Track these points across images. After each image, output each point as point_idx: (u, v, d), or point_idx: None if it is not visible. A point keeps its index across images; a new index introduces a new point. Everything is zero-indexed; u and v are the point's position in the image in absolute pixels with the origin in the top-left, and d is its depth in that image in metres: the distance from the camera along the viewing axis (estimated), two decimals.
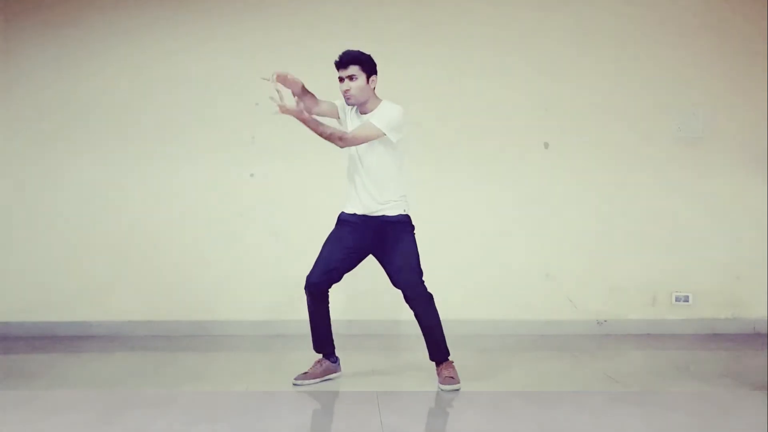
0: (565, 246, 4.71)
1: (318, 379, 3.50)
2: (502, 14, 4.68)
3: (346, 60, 3.32)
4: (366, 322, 4.62)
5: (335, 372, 3.58)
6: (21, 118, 4.64)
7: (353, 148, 3.37)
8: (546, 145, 4.69)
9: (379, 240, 3.40)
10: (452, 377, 3.40)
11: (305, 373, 3.51)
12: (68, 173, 4.64)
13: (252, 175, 4.65)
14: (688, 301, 4.72)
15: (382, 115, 3.30)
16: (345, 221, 3.46)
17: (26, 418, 2.99)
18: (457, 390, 3.36)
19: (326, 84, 4.67)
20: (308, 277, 3.43)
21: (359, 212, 3.41)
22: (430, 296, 3.41)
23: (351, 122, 3.43)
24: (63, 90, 4.64)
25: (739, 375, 3.68)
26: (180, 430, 2.82)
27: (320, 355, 3.57)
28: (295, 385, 3.45)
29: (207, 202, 4.65)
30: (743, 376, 3.65)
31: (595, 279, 4.72)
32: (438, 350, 3.46)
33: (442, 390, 3.37)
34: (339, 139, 3.24)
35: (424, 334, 3.46)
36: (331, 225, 4.55)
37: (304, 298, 4.41)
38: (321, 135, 3.22)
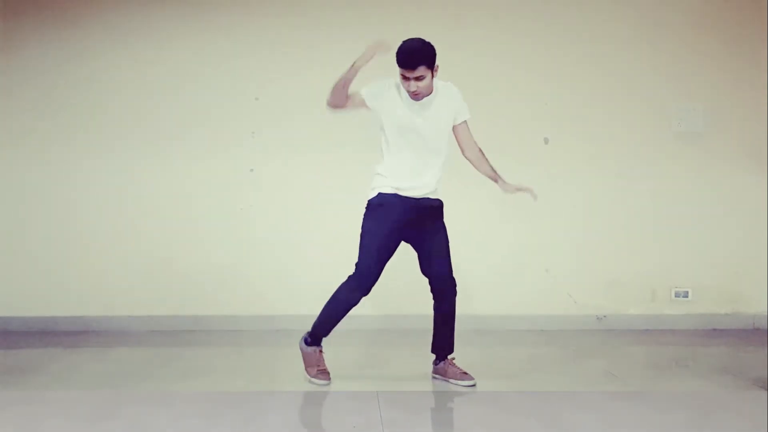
0: (565, 241, 4.71)
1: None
2: (504, 9, 4.67)
3: (414, 62, 3.08)
4: (365, 317, 4.62)
5: None
6: (22, 116, 4.63)
7: (412, 124, 3.20)
8: (546, 141, 4.69)
9: (420, 226, 3.29)
10: (467, 372, 3.38)
11: (325, 371, 3.40)
12: (68, 170, 4.63)
13: (252, 170, 4.65)
14: (687, 297, 4.73)
15: (462, 105, 3.31)
16: (390, 204, 3.22)
17: (25, 415, 2.98)
18: (474, 385, 3.34)
19: (326, 81, 4.66)
20: (366, 278, 3.24)
21: (411, 195, 3.23)
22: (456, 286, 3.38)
23: (401, 108, 3.20)
24: (63, 89, 4.62)
25: (739, 371, 3.68)
26: (179, 428, 2.82)
27: (317, 347, 3.44)
28: (316, 383, 3.36)
29: (207, 197, 4.65)
30: (743, 372, 3.65)
31: (595, 274, 4.72)
32: (448, 343, 3.42)
33: (459, 385, 3.34)
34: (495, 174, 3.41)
35: (440, 325, 3.39)
36: (330, 220, 4.54)
37: (304, 293, 4.42)
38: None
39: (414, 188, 3.24)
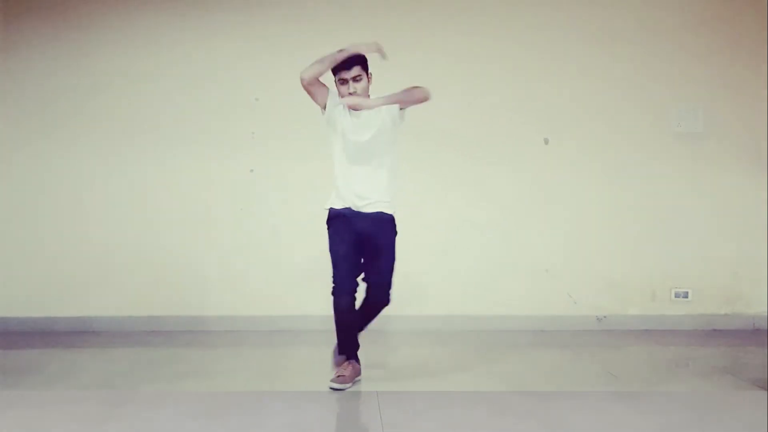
0: (565, 242, 4.71)
1: (352, 383, 3.38)
2: (504, 11, 4.67)
3: (350, 61, 3.21)
4: None
5: (360, 373, 3.48)
6: (22, 117, 4.63)
7: (355, 137, 3.28)
8: (546, 141, 4.69)
9: (369, 236, 3.32)
10: (342, 375, 3.33)
11: (341, 376, 3.33)
12: (67, 169, 4.63)
13: (252, 170, 4.65)
14: (687, 297, 4.73)
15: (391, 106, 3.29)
16: (339, 216, 3.35)
17: (25, 415, 2.98)
18: (344, 389, 3.28)
19: (326, 81, 4.65)
20: (340, 284, 3.29)
21: (354, 207, 3.32)
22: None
23: (342, 119, 3.31)
24: (63, 87, 4.62)
25: (739, 371, 3.68)
26: (179, 428, 2.82)
27: (342, 356, 3.43)
28: (335, 389, 3.29)
29: (207, 198, 4.65)
30: (743, 372, 3.66)
31: (595, 275, 4.72)
32: (355, 345, 3.42)
33: (332, 388, 3.29)
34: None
35: (354, 328, 3.40)
36: None
37: (304, 293, 4.42)
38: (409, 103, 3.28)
39: (362, 203, 3.32)
